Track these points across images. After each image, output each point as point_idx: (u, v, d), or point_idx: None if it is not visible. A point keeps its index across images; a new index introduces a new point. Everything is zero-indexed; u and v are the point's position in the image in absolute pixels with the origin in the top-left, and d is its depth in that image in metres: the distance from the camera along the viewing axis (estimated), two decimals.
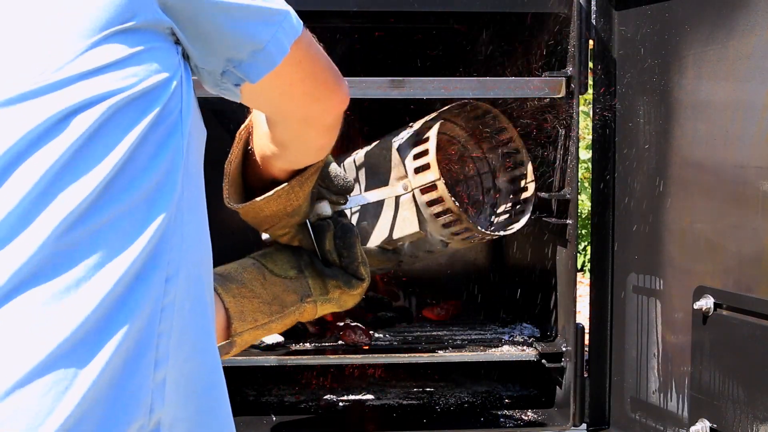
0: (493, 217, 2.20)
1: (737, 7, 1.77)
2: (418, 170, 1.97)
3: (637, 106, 2.05)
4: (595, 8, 2.09)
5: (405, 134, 2.06)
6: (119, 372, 0.91)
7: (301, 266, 1.63)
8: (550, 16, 2.12)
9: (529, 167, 2.13)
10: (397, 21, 2.41)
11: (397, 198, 2.00)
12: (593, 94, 2.12)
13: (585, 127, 4.37)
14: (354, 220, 2.08)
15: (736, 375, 1.75)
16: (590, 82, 2.12)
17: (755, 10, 1.73)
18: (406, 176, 1.98)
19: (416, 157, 1.97)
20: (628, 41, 2.07)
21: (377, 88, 2.04)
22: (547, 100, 2.13)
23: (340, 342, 2.25)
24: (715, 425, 1.79)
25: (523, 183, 2.16)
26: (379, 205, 2.05)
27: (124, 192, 0.93)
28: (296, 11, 1.13)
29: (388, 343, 2.27)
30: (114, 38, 0.94)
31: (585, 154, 4.37)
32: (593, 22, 2.09)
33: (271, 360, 2.11)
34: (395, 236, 2.02)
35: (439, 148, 2.12)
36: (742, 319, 1.73)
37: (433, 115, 2.04)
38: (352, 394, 2.35)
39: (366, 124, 2.49)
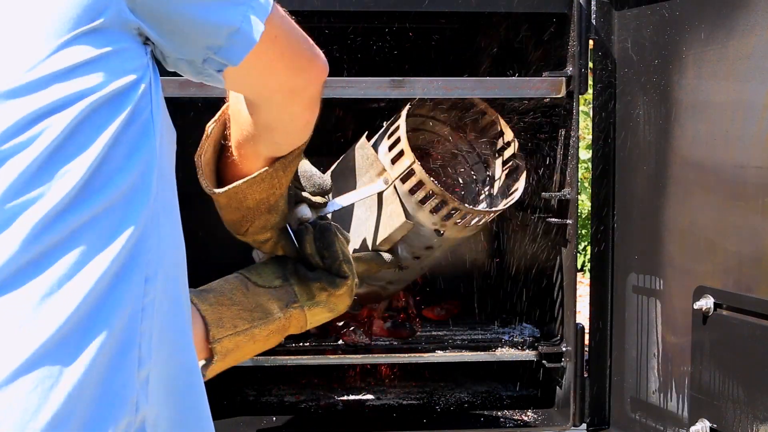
0: (490, 203, 2.17)
1: (737, 7, 1.77)
2: (394, 160, 1.94)
3: (637, 106, 2.05)
4: (595, 8, 2.09)
5: (378, 133, 2.05)
6: (104, 370, 0.92)
7: (286, 275, 1.61)
8: (551, 16, 2.12)
9: (515, 144, 2.11)
10: (397, 21, 2.41)
11: (381, 195, 1.97)
12: (593, 94, 2.12)
13: (585, 127, 4.37)
14: (346, 228, 2.05)
15: (736, 375, 1.75)
16: (590, 82, 2.12)
17: (755, 10, 1.73)
18: (384, 170, 1.95)
19: (390, 148, 1.96)
20: (628, 41, 2.07)
21: (377, 88, 2.04)
22: (547, 100, 2.13)
23: (340, 342, 2.25)
24: (715, 425, 1.79)
25: (511, 162, 2.14)
26: (366, 208, 2.01)
27: (101, 192, 0.94)
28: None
29: (388, 343, 2.27)
30: (82, 39, 0.95)
31: (585, 154, 4.37)
32: (593, 22, 2.09)
33: (271, 360, 2.11)
34: (386, 234, 1.98)
35: (425, 148, 2.11)
36: (742, 319, 1.73)
37: (403, 110, 2.02)
38: (352, 394, 2.35)
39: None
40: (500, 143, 2.16)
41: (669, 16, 1.95)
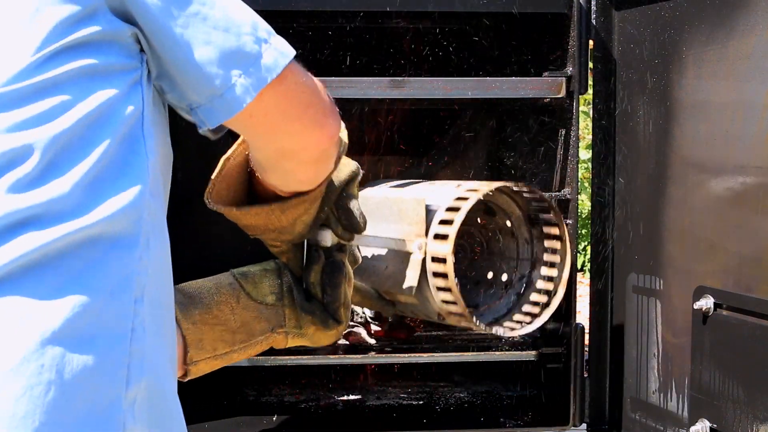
0: (512, 308, 1.99)
1: (737, 7, 1.77)
2: (437, 237, 1.80)
3: (637, 106, 2.05)
4: (595, 8, 2.09)
5: (442, 192, 1.88)
6: (93, 387, 0.92)
7: (282, 293, 1.54)
8: (551, 16, 2.12)
9: (565, 276, 1.91)
10: (397, 21, 2.41)
11: (408, 253, 1.84)
12: (593, 94, 2.12)
13: (585, 127, 4.37)
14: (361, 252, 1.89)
15: (736, 375, 1.75)
16: (590, 82, 2.12)
17: (755, 10, 1.73)
18: (424, 237, 1.81)
19: (441, 222, 1.80)
20: (628, 41, 2.07)
21: (377, 88, 2.04)
22: (547, 100, 2.13)
23: (339, 342, 2.25)
24: (715, 425, 1.79)
25: (554, 287, 1.94)
26: (389, 251, 1.90)
27: (92, 209, 0.94)
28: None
29: (388, 343, 2.27)
30: (66, 53, 0.93)
31: (585, 154, 4.37)
32: (593, 22, 2.09)
33: (271, 360, 2.11)
34: (393, 290, 1.88)
35: (491, 213, 1.98)
36: (742, 319, 1.73)
37: (481, 184, 1.86)
38: (352, 394, 2.35)
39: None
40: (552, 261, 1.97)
41: (669, 16, 1.95)
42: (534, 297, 1.94)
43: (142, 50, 1.01)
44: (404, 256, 1.83)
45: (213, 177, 1.43)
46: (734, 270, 1.79)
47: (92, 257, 0.94)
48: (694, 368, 1.85)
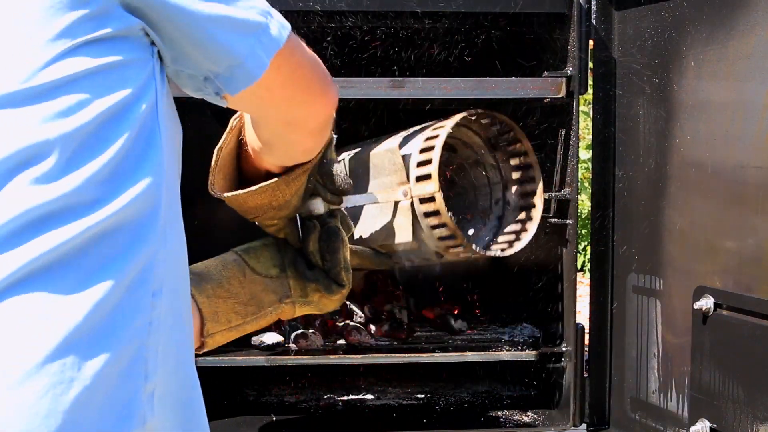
0: (496, 232, 2.12)
1: (737, 7, 1.77)
2: (419, 179, 1.88)
3: (637, 106, 2.05)
4: (595, 8, 2.09)
5: (413, 138, 1.99)
6: (112, 382, 0.92)
7: (284, 265, 1.60)
8: (550, 15, 2.12)
9: (540, 188, 2.03)
10: (397, 21, 2.41)
11: (396, 202, 1.95)
12: (593, 94, 2.12)
13: (585, 127, 4.37)
14: (354, 220, 2.04)
15: (736, 375, 1.75)
16: (590, 82, 2.12)
17: (755, 10, 1.73)
18: (407, 182, 1.90)
19: (419, 164, 1.89)
20: (628, 41, 2.07)
21: (377, 88, 2.04)
22: (547, 100, 2.13)
23: (339, 342, 2.25)
24: (715, 425, 1.79)
25: (531, 201, 2.06)
26: (378, 207, 2.00)
27: (111, 204, 0.94)
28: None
29: (388, 343, 2.27)
30: (84, 49, 0.94)
31: (585, 154, 4.37)
32: (593, 22, 2.09)
33: (271, 360, 2.11)
34: (388, 242, 1.96)
35: (452, 150, 2.08)
36: (742, 319, 1.73)
37: (445, 121, 1.95)
38: (352, 394, 2.36)
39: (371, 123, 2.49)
40: (525, 176, 2.09)
41: (669, 16, 1.95)
42: (514, 217, 2.06)
43: (152, 43, 1.03)
44: (392, 207, 1.92)
45: (211, 168, 1.51)
46: (734, 270, 1.79)
47: (110, 252, 0.94)
48: (694, 368, 1.85)
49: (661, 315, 2.00)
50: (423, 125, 2.03)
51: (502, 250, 2.01)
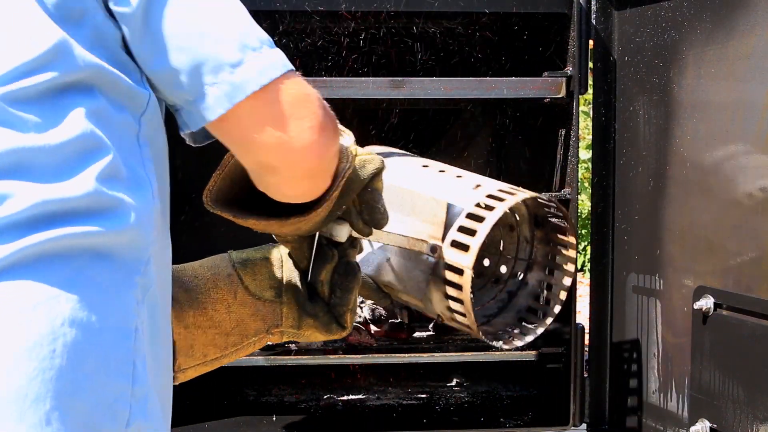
0: (503, 308, 1.90)
1: (737, 7, 1.77)
2: (456, 245, 1.66)
3: (637, 106, 2.05)
4: (595, 8, 2.09)
5: (464, 185, 1.72)
6: (99, 379, 0.93)
7: (282, 288, 1.43)
8: (550, 16, 2.12)
9: (563, 292, 1.80)
10: (397, 21, 2.41)
11: (419, 253, 1.70)
12: (593, 94, 2.12)
13: (585, 127, 4.37)
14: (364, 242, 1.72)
15: (736, 375, 1.75)
16: (590, 82, 2.12)
17: (755, 10, 1.73)
18: (441, 241, 1.67)
19: (461, 229, 1.66)
20: (628, 41, 2.07)
21: (377, 88, 2.04)
22: (547, 100, 2.13)
23: (339, 342, 2.25)
24: (715, 425, 1.79)
25: (548, 295, 1.84)
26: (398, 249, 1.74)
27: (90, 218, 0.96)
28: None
29: (388, 343, 2.27)
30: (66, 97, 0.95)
31: (585, 154, 4.37)
32: (593, 22, 2.09)
33: (271, 360, 2.11)
34: (396, 286, 1.76)
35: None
36: (742, 319, 1.73)
37: (507, 190, 1.70)
38: (352, 394, 2.35)
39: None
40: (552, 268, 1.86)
41: (669, 16, 1.95)
42: (526, 301, 1.89)
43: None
44: (414, 255, 1.71)
45: (215, 173, 1.32)
46: (734, 270, 1.79)
47: (99, 259, 0.95)
48: (694, 368, 1.85)
49: (661, 315, 2.00)
50: (478, 180, 1.75)
51: (505, 342, 1.79)
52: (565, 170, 2.12)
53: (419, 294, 1.72)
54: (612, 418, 2.16)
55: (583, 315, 2.18)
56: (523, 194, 1.69)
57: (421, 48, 2.58)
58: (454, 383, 2.44)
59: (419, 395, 2.36)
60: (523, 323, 1.83)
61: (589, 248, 2.45)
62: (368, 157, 1.39)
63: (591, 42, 2.11)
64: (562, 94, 2.08)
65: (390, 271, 1.75)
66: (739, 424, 1.73)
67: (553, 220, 1.81)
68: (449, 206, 1.69)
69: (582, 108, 3.80)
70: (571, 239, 1.78)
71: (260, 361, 2.11)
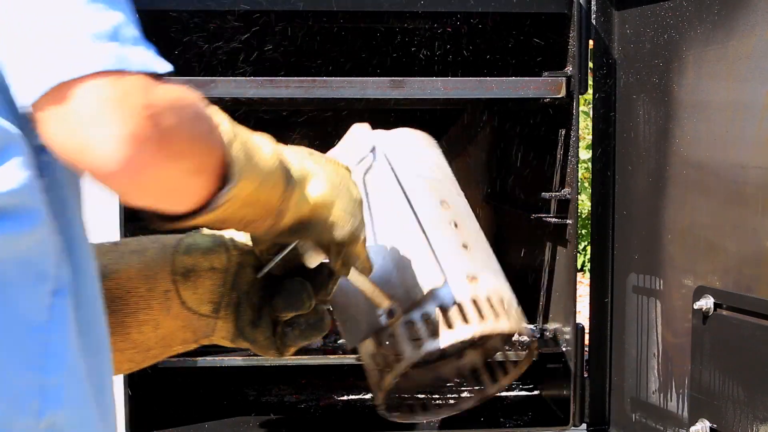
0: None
1: (737, 7, 1.77)
2: (410, 326, 1.47)
3: (637, 106, 2.05)
4: (595, 8, 2.09)
5: (453, 282, 1.49)
6: (6, 367, 0.92)
7: (221, 304, 1.27)
8: (550, 16, 2.12)
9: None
10: (397, 21, 2.41)
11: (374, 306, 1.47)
12: (593, 94, 2.12)
13: (585, 127, 4.37)
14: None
15: (736, 375, 1.75)
16: (590, 82, 2.12)
17: (755, 10, 1.73)
18: (400, 309, 1.45)
19: (424, 317, 1.47)
20: (628, 41, 2.07)
21: (377, 88, 2.04)
22: (547, 100, 2.13)
23: (340, 342, 2.24)
24: (715, 425, 1.79)
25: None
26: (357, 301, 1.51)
27: None
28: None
29: None
30: None
31: (585, 154, 4.37)
32: (593, 22, 2.09)
33: (271, 360, 2.11)
34: (336, 307, 1.54)
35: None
36: (742, 319, 1.73)
37: (497, 306, 1.56)
38: (352, 394, 2.35)
39: None
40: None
41: (669, 16, 1.95)
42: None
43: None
44: (368, 303, 1.47)
45: None
46: (734, 270, 1.79)
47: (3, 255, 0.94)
48: (694, 368, 1.85)
49: (661, 315, 2.00)
50: (472, 273, 1.55)
51: (400, 415, 1.74)
52: (565, 170, 2.12)
53: (355, 333, 1.55)
54: (612, 418, 2.16)
55: (583, 315, 2.18)
56: (505, 323, 1.54)
57: (422, 48, 2.58)
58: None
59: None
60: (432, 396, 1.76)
61: (589, 248, 2.44)
62: (348, 208, 1.21)
63: (591, 42, 2.11)
64: (562, 94, 2.08)
65: (342, 295, 1.49)
66: (739, 424, 1.73)
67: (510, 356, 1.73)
68: (431, 290, 1.47)
69: (582, 108, 3.80)
70: (510, 378, 1.74)
71: (260, 361, 2.11)
